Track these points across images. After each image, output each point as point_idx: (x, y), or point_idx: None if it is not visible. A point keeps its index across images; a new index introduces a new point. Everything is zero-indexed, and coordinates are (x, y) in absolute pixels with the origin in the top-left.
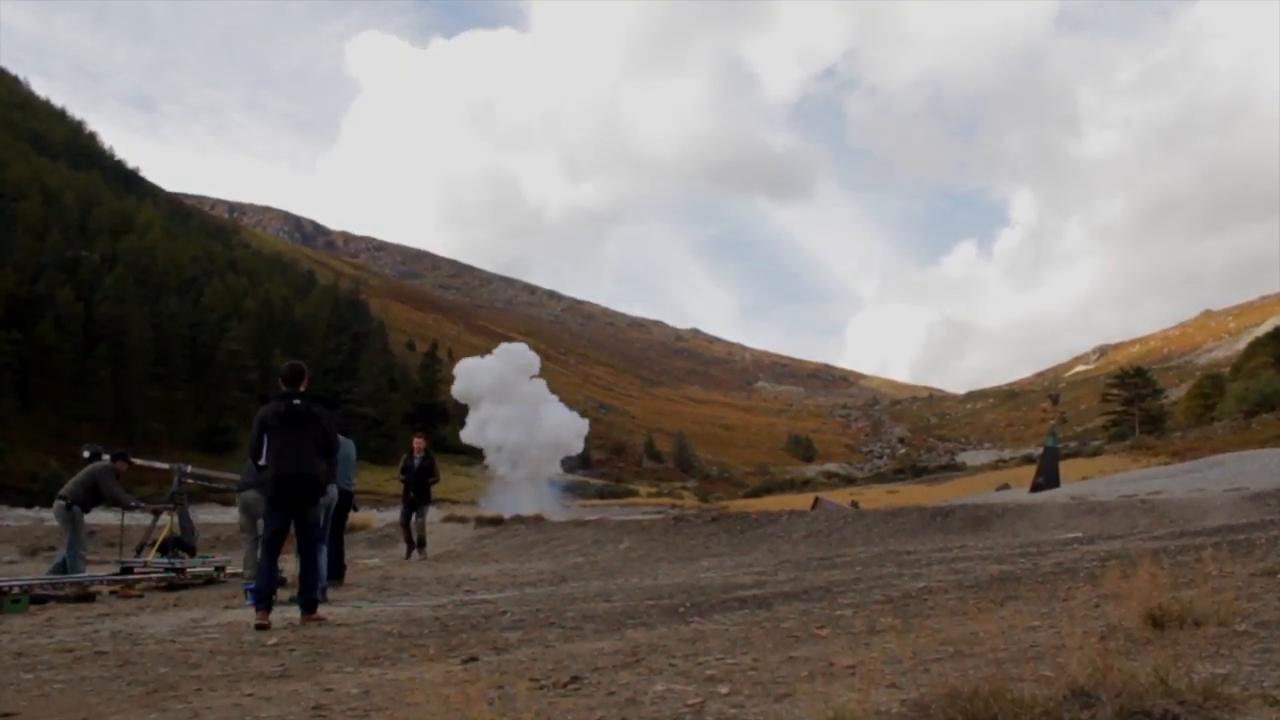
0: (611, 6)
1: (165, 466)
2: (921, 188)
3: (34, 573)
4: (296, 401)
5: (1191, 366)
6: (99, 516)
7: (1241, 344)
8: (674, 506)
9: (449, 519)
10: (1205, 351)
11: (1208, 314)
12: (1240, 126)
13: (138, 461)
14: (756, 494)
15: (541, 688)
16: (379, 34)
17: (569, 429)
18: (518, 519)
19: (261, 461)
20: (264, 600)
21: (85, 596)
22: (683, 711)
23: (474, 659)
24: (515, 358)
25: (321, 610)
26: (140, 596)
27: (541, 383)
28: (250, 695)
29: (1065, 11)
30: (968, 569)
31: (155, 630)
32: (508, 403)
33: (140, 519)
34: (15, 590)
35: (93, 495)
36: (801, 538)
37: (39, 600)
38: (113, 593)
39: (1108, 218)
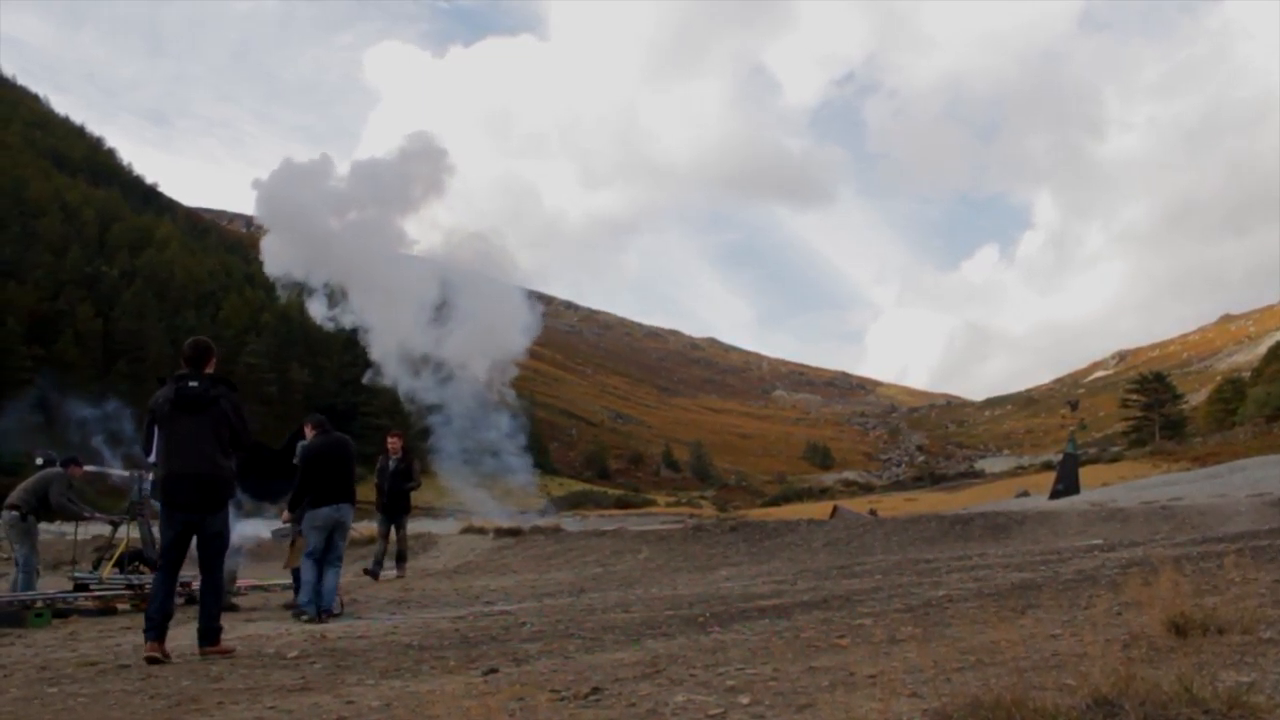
0: (631, 12)
1: (124, 474)
2: (941, 192)
3: (56, 587)
4: (192, 384)
5: (1211, 371)
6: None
7: (1262, 348)
8: (692, 516)
9: (467, 529)
10: (1225, 356)
11: (1227, 318)
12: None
13: (90, 468)
14: (775, 502)
15: (562, 699)
16: (399, 44)
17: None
18: (536, 529)
19: (152, 458)
20: (155, 628)
21: (107, 610)
22: None
23: (494, 671)
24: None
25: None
26: None
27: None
28: (272, 708)
29: (1088, 11)
30: (988, 577)
31: (177, 643)
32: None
33: (102, 528)
34: (38, 604)
35: (45, 504)
36: (820, 546)
37: (62, 614)
38: (134, 606)
39: (1129, 221)
